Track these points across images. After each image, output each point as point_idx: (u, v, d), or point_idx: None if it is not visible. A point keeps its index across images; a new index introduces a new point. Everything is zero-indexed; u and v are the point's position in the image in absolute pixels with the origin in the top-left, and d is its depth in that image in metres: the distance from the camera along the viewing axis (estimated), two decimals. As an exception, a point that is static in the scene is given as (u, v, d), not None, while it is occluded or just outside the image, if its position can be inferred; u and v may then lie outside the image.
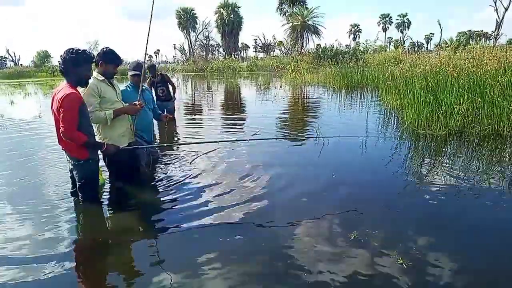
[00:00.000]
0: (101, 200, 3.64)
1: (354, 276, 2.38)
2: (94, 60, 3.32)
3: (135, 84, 4.20)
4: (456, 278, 2.34)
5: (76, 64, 3.08)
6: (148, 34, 3.90)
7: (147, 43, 3.96)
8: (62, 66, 3.12)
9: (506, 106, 6.07)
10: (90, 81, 3.39)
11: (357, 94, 13.26)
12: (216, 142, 5.35)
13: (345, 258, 2.58)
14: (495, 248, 2.71)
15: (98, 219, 3.40)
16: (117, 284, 2.40)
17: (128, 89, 4.21)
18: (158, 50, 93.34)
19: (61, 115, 2.98)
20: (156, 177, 4.46)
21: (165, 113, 4.92)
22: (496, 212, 3.34)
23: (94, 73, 3.54)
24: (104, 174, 3.98)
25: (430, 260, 2.52)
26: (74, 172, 3.33)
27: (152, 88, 7.14)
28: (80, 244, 2.94)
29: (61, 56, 3.11)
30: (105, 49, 3.55)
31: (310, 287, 2.28)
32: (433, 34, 79.29)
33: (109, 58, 3.54)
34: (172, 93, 7.77)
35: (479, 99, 6.30)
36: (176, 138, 6.91)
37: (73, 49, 3.10)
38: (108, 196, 3.80)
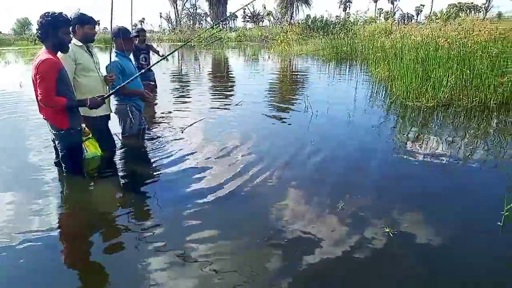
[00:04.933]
0: (90, 171, 3.57)
1: (341, 244, 2.40)
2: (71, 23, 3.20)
3: (124, 50, 4.09)
4: (441, 247, 2.39)
5: (54, 27, 2.95)
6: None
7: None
8: (40, 32, 2.98)
9: (494, 78, 6.08)
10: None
11: (346, 66, 13.15)
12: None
13: (333, 228, 2.60)
14: (478, 218, 2.77)
15: (82, 190, 3.34)
16: (102, 259, 2.34)
17: (119, 58, 4.05)
18: (144, 19, 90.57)
19: (38, 81, 2.88)
20: (146, 147, 4.40)
21: (147, 82, 4.84)
22: (479, 183, 3.40)
23: (73, 40, 3.42)
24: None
25: (416, 230, 2.55)
26: (56, 142, 3.25)
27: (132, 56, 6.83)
28: (64, 216, 2.88)
29: (38, 21, 2.98)
30: (75, 14, 3.46)
31: (297, 256, 2.30)
32: (423, 5, 78.48)
33: (83, 20, 3.46)
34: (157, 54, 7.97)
35: (468, 71, 6.29)
36: (162, 108, 6.77)
37: (48, 12, 2.96)
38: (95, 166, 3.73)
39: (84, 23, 3.46)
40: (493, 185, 3.34)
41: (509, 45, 6.55)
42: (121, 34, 4.02)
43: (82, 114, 3.45)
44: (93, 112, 3.67)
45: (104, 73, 3.86)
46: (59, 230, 2.64)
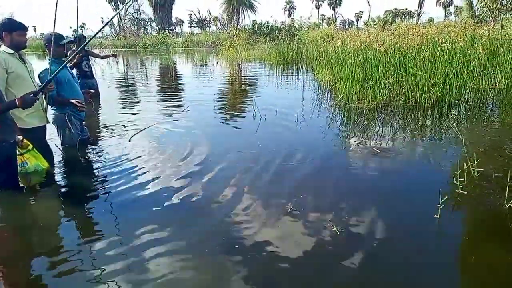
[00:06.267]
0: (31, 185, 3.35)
1: (293, 246, 2.44)
2: None
3: (59, 57, 3.88)
4: (383, 241, 2.50)
5: None
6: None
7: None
8: None
9: (427, 79, 6.53)
10: None
11: (293, 70, 13.47)
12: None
13: (284, 230, 2.64)
14: (418, 212, 2.94)
15: (20, 206, 3.10)
16: (48, 282, 2.19)
17: (54, 66, 3.81)
18: (84, 24, 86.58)
19: None
20: (90, 158, 4.20)
21: (86, 89, 4.63)
22: (418, 178, 3.63)
23: (3, 47, 3.21)
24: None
25: (361, 227, 2.66)
26: (-13, 157, 2.99)
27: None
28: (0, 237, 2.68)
29: None
30: (2, 20, 3.25)
31: (249, 259, 2.30)
32: (362, 12, 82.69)
33: (11, 26, 3.23)
34: (104, 57, 8.17)
35: (404, 73, 6.71)
36: (106, 116, 6.51)
37: None
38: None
39: (13, 30, 3.23)
40: (430, 179, 3.58)
41: (438, 48, 7.07)
42: (53, 41, 3.80)
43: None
44: (28, 123, 3.45)
45: (37, 81, 3.63)
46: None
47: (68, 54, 4.44)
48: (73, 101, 3.82)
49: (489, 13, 22.44)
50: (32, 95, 2.92)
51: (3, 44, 3.25)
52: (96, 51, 20.16)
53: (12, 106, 2.89)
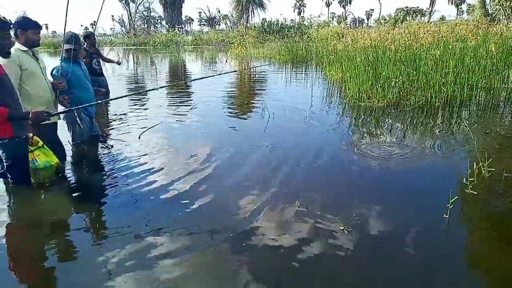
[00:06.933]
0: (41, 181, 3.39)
1: (300, 244, 2.43)
2: (12, 27, 3.03)
3: (70, 58, 3.94)
4: (391, 241, 2.50)
5: None
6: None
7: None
8: None
9: (438, 78, 6.46)
10: (12, 51, 3.08)
11: (302, 68, 13.43)
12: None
13: (291, 228, 2.64)
14: (427, 211, 2.92)
15: (31, 202, 3.15)
16: (58, 277, 2.21)
17: (66, 63, 3.86)
18: (95, 22, 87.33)
19: None
20: (100, 154, 4.26)
21: (97, 88, 4.68)
22: (428, 177, 3.59)
23: (17, 45, 3.25)
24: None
25: (369, 226, 2.65)
26: (0, 152, 3.04)
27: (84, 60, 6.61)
28: (12, 232, 2.71)
29: None
30: (17, 18, 3.30)
31: (255, 256, 2.31)
32: (373, 10, 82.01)
33: (25, 24, 3.28)
34: (108, 60, 8.04)
35: (414, 72, 6.65)
36: (116, 113, 6.57)
37: None
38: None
39: (27, 28, 3.28)
40: (440, 178, 3.54)
41: (450, 46, 6.99)
42: (63, 41, 3.87)
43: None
44: None
45: (49, 78, 3.68)
46: (6, 247, 2.48)
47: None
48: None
49: (503, 12, 22.08)
50: (46, 114, 3.01)
51: (18, 42, 3.30)
52: (106, 49, 20.35)
53: (24, 117, 2.97)
